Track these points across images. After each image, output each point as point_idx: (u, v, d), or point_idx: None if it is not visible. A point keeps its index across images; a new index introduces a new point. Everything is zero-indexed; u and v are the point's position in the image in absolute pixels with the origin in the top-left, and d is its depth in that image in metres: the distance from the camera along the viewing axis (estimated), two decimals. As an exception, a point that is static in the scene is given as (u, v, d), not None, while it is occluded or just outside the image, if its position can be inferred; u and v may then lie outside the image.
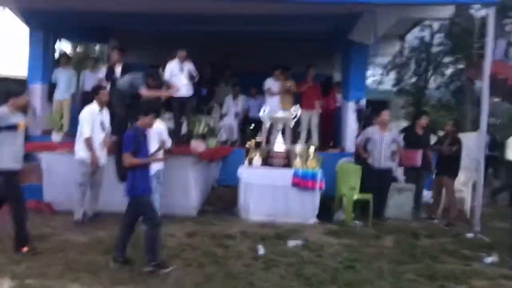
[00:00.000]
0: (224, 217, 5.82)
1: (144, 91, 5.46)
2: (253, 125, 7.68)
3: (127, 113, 5.30)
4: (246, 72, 8.20)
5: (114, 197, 4.68)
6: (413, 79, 17.26)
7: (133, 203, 3.87)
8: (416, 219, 6.22)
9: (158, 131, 4.84)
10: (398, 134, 6.25)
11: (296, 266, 4.27)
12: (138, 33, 8.04)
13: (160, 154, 4.58)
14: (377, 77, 18.13)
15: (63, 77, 7.41)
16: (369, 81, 17.63)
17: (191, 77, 6.59)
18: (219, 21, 6.80)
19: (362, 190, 5.90)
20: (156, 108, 4.03)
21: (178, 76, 6.61)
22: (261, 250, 4.62)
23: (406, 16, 6.87)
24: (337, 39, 7.62)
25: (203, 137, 6.17)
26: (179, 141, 6.29)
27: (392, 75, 17.68)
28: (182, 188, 5.55)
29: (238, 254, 4.52)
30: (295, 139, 7.13)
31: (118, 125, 5.29)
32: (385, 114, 6.21)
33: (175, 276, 3.91)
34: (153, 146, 4.32)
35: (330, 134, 7.93)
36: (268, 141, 6.86)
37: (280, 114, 6.17)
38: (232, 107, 8.03)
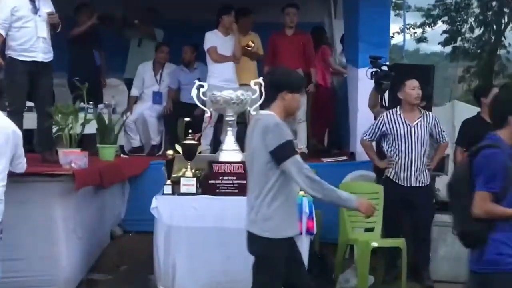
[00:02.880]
0: (126, 295, 5.51)
1: None
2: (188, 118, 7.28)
3: None
4: (177, 22, 8.29)
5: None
6: (477, 31, 16.37)
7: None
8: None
9: (7, 136, 4.25)
10: (436, 119, 5.82)
11: None
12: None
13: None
14: (415, 30, 17.55)
15: None
16: (399, 38, 17.83)
17: (53, 26, 5.69)
18: None
19: (387, 230, 5.67)
20: None
21: (27, 18, 5.60)
22: None
23: None
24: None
25: (83, 143, 5.73)
26: (45, 153, 5.70)
27: (442, 27, 16.94)
28: (41, 244, 5.06)
29: None
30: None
31: None
32: (411, 84, 5.70)
33: None
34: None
35: (328, 128, 8.05)
36: (217, 143, 6.66)
37: (230, 93, 5.31)
38: (151, 85, 7.59)
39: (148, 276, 5.40)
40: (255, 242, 3.66)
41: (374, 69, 6.25)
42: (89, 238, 5.64)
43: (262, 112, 3.79)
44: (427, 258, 5.73)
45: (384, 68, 6.28)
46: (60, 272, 5.20)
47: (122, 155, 6.81)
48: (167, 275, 5.11)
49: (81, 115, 5.68)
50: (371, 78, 6.27)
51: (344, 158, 7.00)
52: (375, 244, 5.36)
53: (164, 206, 5.05)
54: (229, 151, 5.30)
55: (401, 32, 16.56)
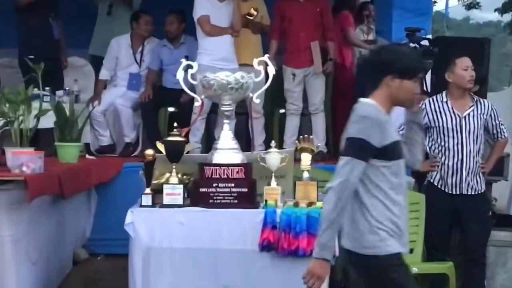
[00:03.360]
0: None
1: None
2: (173, 108, 7.60)
3: None
4: None
5: None
6: None
7: None
8: None
9: None
10: (493, 108, 5.83)
11: None
12: None
13: None
14: None
15: None
16: (442, 3, 18.80)
17: None
18: None
19: (430, 251, 5.76)
20: None
21: None
22: None
23: None
24: None
25: (38, 140, 6.03)
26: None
27: None
28: None
29: None
30: (268, 136, 7.17)
31: None
32: (464, 64, 5.69)
33: None
34: None
35: None
36: (210, 140, 6.92)
37: (227, 75, 5.29)
38: (127, 65, 7.73)
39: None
40: (359, 262, 3.67)
41: (412, 45, 6.26)
42: (46, 263, 5.60)
43: (363, 99, 3.84)
44: (483, 285, 5.73)
45: (425, 42, 6.31)
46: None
47: (87, 155, 6.88)
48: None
49: (35, 104, 5.69)
50: None
51: None
52: (415, 270, 5.27)
53: (142, 222, 5.06)
54: (226, 151, 5.27)
55: (445, -5, 17.06)
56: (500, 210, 6.76)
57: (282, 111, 7.70)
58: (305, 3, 7.37)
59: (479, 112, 5.64)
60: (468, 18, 26.34)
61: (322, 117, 7.48)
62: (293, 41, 7.37)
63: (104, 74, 7.70)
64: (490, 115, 5.67)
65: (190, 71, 5.43)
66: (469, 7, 18.40)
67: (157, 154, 5.22)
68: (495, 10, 17.64)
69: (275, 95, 7.44)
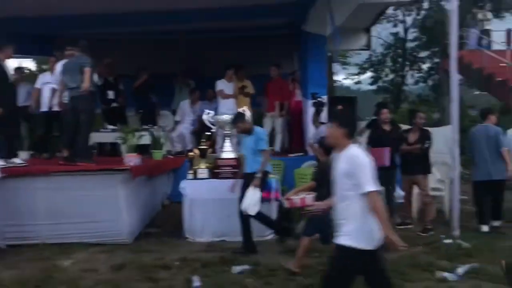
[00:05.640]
0: (167, 240, 6.11)
1: None
2: (209, 132, 8.41)
3: None
4: (205, 77, 9.42)
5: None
6: (391, 76, 22.28)
7: None
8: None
9: None
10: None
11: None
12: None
13: None
14: (354, 77, 23.98)
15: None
16: (347, 81, 23.95)
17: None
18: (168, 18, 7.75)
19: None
20: None
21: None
22: (196, 282, 4.86)
23: (365, 2, 7.75)
24: (294, 33, 8.94)
25: (139, 149, 6.96)
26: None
27: (370, 73, 21.66)
28: (110, 212, 6.02)
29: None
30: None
31: None
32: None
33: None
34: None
35: (298, 138, 9.10)
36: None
37: (226, 116, 7.30)
38: (187, 114, 9.04)
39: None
40: None
41: (313, 100, 7.57)
42: (144, 206, 6.85)
43: None
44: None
45: (320, 99, 7.77)
46: (122, 228, 6.19)
47: (169, 156, 8.04)
48: (192, 230, 6.69)
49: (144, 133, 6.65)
50: (313, 106, 7.68)
51: (302, 154, 8.27)
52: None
53: (187, 187, 6.91)
54: (227, 152, 7.11)
55: (345, 78, 21.50)
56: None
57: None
58: (275, 80, 9.10)
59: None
60: (360, 88, 28.57)
61: (280, 136, 9.17)
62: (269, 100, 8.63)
63: (177, 117, 9.14)
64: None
65: (210, 115, 7.14)
66: (356, 83, 24.31)
67: (195, 154, 6.85)
68: (368, 83, 22.84)
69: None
